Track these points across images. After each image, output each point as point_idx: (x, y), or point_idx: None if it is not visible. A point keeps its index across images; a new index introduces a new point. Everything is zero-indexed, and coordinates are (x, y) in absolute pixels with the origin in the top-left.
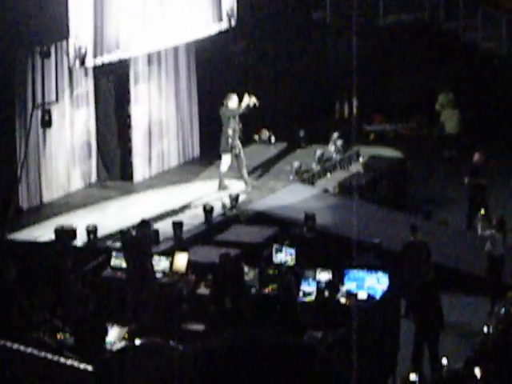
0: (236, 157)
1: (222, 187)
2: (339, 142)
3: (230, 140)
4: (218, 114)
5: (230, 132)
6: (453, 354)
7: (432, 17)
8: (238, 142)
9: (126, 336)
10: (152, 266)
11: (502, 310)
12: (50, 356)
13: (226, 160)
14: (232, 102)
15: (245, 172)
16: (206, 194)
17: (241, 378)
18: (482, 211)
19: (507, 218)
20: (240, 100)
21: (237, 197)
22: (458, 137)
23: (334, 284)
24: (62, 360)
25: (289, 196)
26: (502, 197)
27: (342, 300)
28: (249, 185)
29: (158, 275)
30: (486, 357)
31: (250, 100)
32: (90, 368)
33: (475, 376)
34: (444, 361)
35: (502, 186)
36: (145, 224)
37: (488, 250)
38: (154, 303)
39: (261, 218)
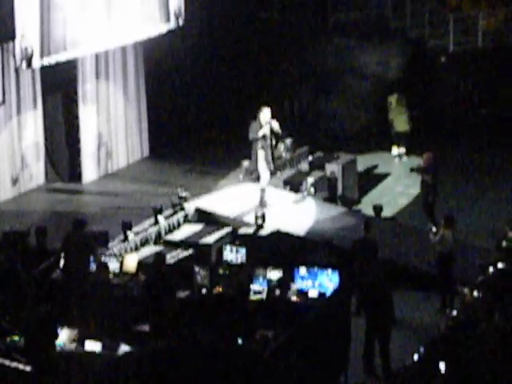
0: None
1: (262, 204)
2: (288, 141)
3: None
4: (167, 113)
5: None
6: (403, 350)
7: (379, 14)
8: (269, 158)
9: (76, 338)
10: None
11: (454, 311)
12: None
13: (265, 176)
14: (263, 115)
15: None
16: (156, 193)
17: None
18: (434, 228)
19: (457, 216)
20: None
21: (263, 215)
22: (407, 135)
23: (285, 282)
24: (11, 363)
25: (239, 195)
26: (452, 194)
27: (293, 298)
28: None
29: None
30: (436, 353)
31: (268, 126)
32: (38, 371)
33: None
34: None
35: (452, 184)
36: (81, 224)
37: (438, 248)
38: (103, 304)
39: (211, 217)
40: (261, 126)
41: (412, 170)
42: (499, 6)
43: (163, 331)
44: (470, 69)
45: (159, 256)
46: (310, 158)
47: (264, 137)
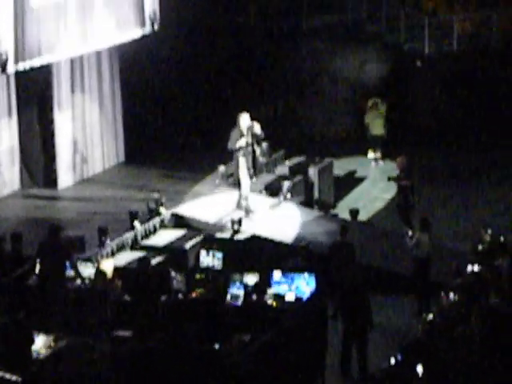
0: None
1: (246, 211)
2: (265, 145)
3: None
4: (143, 117)
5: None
6: (380, 354)
7: (355, 19)
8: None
9: (53, 344)
10: (77, 271)
11: (430, 314)
12: None
13: (246, 183)
14: (243, 121)
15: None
16: (132, 198)
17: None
18: (410, 232)
19: (433, 219)
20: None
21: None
22: (383, 139)
23: (262, 287)
24: None
25: (215, 200)
26: (428, 198)
27: (270, 302)
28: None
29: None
30: (413, 357)
31: (249, 132)
32: (15, 378)
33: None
34: None
35: (428, 188)
36: (56, 230)
37: (414, 251)
38: (80, 309)
39: (187, 222)
40: (241, 133)
41: (389, 179)
42: (474, 10)
43: (148, 335)
44: (445, 72)
45: (144, 260)
46: (287, 162)
47: (246, 144)
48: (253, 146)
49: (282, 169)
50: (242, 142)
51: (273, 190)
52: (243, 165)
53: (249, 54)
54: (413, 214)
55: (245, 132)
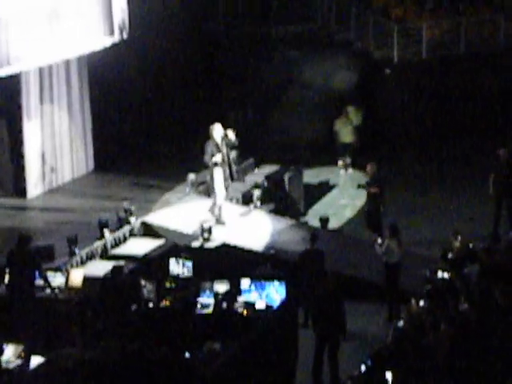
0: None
1: (219, 221)
2: (234, 154)
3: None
4: (112, 126)
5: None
6: (350, 361)
7: (324, 26)
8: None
9: (23, 354)
10: (46, 280)
11: (401, 321)
12: None
13: (221, 193)
14: (216, 132)
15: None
16: (101, 207)
17: None
18: (379, 239)
19: (403, 226)
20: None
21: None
22: (352, 146)
23: (232, 295)
24: None
25: (185, 208)
26: (398, 205)
27: (240, 311)
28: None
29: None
30: (382, 364)
31: (224, 143)
32: None
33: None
34: None
35: (397, 195)
36: (25, 240)
37: (384, 258)
38: (48, 320)
39: (157, 231)
40: (216, 144)
41: (359, 186)
42: (443, 17)
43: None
44: (414, 80)
45: (117, 268)
46: (257, 170)
47: (221, 154)
48: (228, 156)
49: (252, 177)
50: (218, 158)
51: (244, 198)
52: (219, 177)
53: (218, 62)
54: (382, 221)
55: (219, 142)
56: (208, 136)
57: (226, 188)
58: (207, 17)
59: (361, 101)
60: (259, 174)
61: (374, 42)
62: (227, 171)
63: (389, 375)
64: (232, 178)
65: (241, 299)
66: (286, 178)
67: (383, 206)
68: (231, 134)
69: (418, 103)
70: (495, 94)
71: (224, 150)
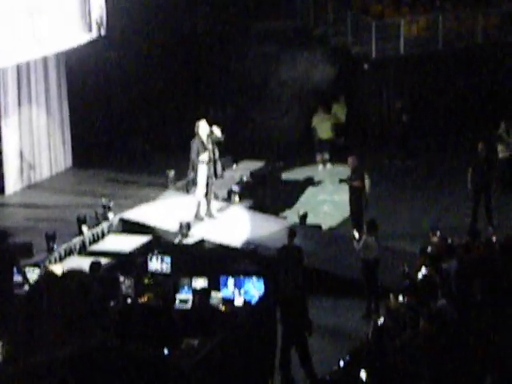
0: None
1: (197, 217)
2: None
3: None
4: (91, 123)
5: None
6: (329, 357)
7: (302, 23)
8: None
9: (3, 351)
10: (25, 276)
11: (381, 317)
12: None
13: (202, 190)
14: (202, 129)
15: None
16: (79, 204)
17: None
18: (357, 235)
19: (382, 221)
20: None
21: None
22: (331, 142)
23: (210, 291)
24: None
25: (164, 205)
26: (377, 200)
27: (219, 307)
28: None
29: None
30: (360, 361)
31: (210, 141)
32: None
33: (357, 379)
34: None
35: (376, 190)
36: (3, 236)
37: (361, 254)
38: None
39: (135, 227)
40: (202, 142)
41: (341, 181)
42: (421, 13)
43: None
44: (392, 76)
45: (95, 264)
46: (235, 166)
47: (207, 151)
48: (214, 153)
49: (231, 173)
50: (205, 157)
51: (224, 194)
52: (203, 173)
53: (197, 58)
54: (364, 216)
55: (205, 139)
56: (192, 133)
57: (210, 185)
58: (186, 13)
59: (340, 97)
60: (238, 170)
61: (353, 38)
62: (212, 169)
63: (363, 374)
64: (216, 176)
65: (219, 295)
66: (266, 173)
67: (366, 200)
68: (217, 131)
69: (395, 99)
70: (473, 89)
71: (210, 146)
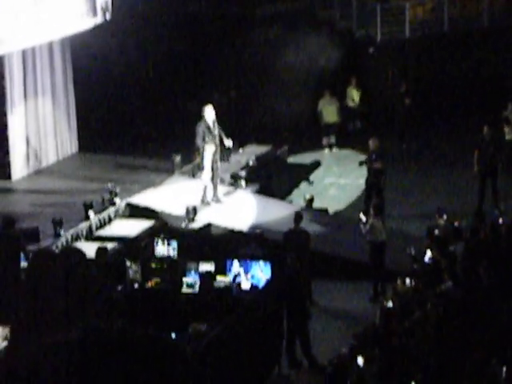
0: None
1: (204, 202)
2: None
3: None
4: (96, 108)
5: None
6: (335, 340)
7: (307, 6)
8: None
9: (9, 336)
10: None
11: (390, 301)
12: None
13: (208, 174)
14: (207, 114)
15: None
16: (86, 189)
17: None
18: (364, 218)
19: (389, 205)
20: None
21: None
22: (337, 126)
23: (216, 275)
24: None
25: (170, 189)
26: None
27: (226, 291)
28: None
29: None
30: (368, 345)
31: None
32: None
33: (358, 364)
34: None
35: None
36: (10, 222)
37: (368, 237)
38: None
39: (141, 211)
40: (207, 126)
41: (361, 163)
42: None
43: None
44: (397, 59)
45: (101, 249)
46: (241, 150)
47: (213, 136)
48: (220, 137)
49: (237, 157)
50: (210, 142)
51: (230, 178)
52: (208, 158)
53: (202, 42)
54: (379, 198)
55: (211, 124)
56: (197, 117)
57: (216, 170)
58: None
59: (352, 79)
60: (244, 155)
61: (358, 21)
62: (218, 153)
63: (360, 361)
64: (221, 160)
65: (226, 279)
66: (272, 158)
67: (384, 183)
68: (227, 141)
69: (400, 82)
70: (478, 72)
71: (215, 131)
